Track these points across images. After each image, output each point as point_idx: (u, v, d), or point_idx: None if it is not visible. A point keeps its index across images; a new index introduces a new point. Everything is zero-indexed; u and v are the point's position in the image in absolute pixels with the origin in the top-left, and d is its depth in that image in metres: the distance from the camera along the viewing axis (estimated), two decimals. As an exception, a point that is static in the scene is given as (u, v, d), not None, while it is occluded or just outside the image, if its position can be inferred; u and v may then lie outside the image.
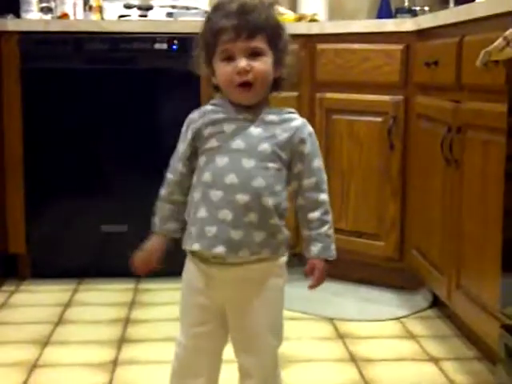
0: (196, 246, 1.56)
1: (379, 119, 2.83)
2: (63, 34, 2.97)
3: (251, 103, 1.55)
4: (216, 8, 1.55)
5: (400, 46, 2.78)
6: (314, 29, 3.01)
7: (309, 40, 3.00)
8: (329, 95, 2.96)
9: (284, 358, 2.17)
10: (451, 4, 3.41)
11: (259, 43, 1.51)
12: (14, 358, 2.24)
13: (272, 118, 1.56)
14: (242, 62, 1.51)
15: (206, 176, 1.55)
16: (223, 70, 1.53)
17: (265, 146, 1.54)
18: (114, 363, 2.21)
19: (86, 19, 3.27)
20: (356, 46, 2.89)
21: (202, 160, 1.57)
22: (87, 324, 2.56)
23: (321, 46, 2.98)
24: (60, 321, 2.58)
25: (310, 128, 1.59)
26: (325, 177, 1.60)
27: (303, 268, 1.62)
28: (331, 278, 2.95)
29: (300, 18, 3.26)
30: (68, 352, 2.30)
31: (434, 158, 2.48)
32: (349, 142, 2.91)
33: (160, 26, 3.03)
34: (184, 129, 1.62)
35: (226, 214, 1.52)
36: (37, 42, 2.95)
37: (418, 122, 2.69)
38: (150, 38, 2.98)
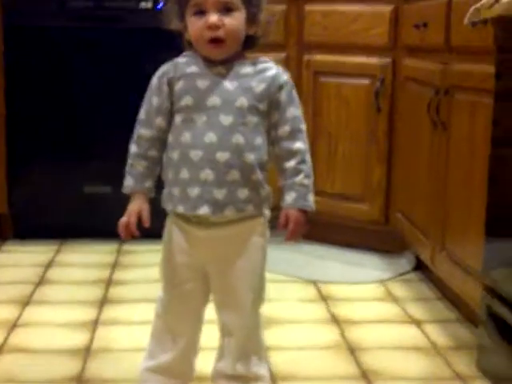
0: (180, 209, 1.54)
1: (367, 81, 2.80)
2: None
3: (222, 58, 1.52)
4: None
5: (389, 8, 2.74)
6: (302, -11, 2.97)
7: (296, 1, 2.95)
8: (316, 57, 2.93)
9: (266, 319, 2.16)
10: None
11: None
12: (-6, 316, 2.23)
13: (247, 70, 1.54)
14: (213, 17, 1.48)
15: (185, 136, 1.52)
16: (194, 25, 1.51)
17: (242, 101, 1.51)
18: (95, 323, 2.19)
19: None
20: (344, 7, 2.84)
21: (178, 118, 1.54)
22: (69, 284, 2.54)
23: (309, 8, 2.93)
24: (41, 281, 2.56)
25: (285, 76, 1.56)
26: (302, 126, 1.57)
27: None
28: (315, 241, 2.97)
29: (288, -21, 3.21)
30: (49, 312, 2.29)
31: (420, 121, 2.46)
32: (336, 104, 2.88)
33: (145, -16, 2.97)
34: (155, 81, 1.57)
35: (208, 174, 1.50)
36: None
37: (406, 85, 2.67)
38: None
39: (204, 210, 1.51)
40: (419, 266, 2.70)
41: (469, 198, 2.08)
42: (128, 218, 1.56)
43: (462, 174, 2.14)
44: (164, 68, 1.58)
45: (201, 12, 1.49)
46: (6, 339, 2.07)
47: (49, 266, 2.72)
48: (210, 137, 1.50)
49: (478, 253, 1.93)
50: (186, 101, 1.53)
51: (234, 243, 1.57)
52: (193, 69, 1.54)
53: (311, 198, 1.56)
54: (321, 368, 1.93)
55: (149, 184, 1.58)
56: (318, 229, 2.96)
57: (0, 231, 3.05)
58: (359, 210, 2.87)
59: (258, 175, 1.53)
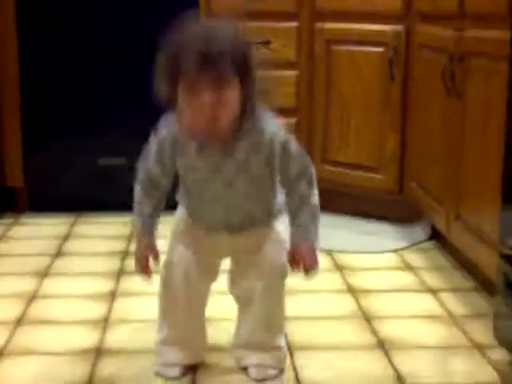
0: (200, 226, 1.64)
1: (380, 49, 2.78)
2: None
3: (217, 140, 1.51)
4: (180, 33, 1.45)
5: (402, -27, 2.71)
6: (314, -44, 2.93)
7: (308, -32, 2.93)
8: (328, 25, 2.90)
9: (282, 289, 2.18)
10: None
11: (225, 71, 1.40)
12: (12, 289, 2.25)
13: (241, 148, 1.51)
14: (208, 98, 1.39)
15: (192, 178, 1.59)
16: (187, 110, 1.44)
17: (243, 179, 1.54)
18: (113, 294, 2.21)
19: None
20: (356, -27, 2.81)
21: (183, 178, 1.61)
22: (85, 256, 2.56)
23: (321, -25, 2.91)
24: (58, 253, 2.58)
25: (280, 136, 1.54)
26: (307, 171, 1.59)
27: None
28: (329, 211, 2.97)
29: None
30: (67, 283, 2.31)
31: (435, 89, 2.44)
32: (349, 72, 2.86)
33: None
34: (155, 148, 1.56)
35: (221, 211, 1.59)
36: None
37: (420, 52, 2.64)
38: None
39: (221, 233, 1.62)
40: (434, 235, 2.70)
41: (484, 165, 2.07)
42: (140, 263, 1.64)
43: (477, 141, 2.13)
44: (162, 139, 1.55)
45: (193, 89, 1.40)
46: (24, 311, 2.09)
47: (65, 238, 2.74)
48: (219, 209, 1.59)
49: (494, 221, 1.92)
50: (189, 177, 1.58)
51: (250, 239, 1.64)
52: (191, 150, 1.53)
53: (316, 236, 1.60)
54: (337, 337, 1.94)
55: (154, 221, 1.64)
56: (332, 199, 2.97)
57: (16, 204, 3.07)
58: (373, 179, 2.86)
59: (271, 199, 1.63)
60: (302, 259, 1.58)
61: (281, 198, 1.64)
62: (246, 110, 1.48)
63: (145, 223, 1.62)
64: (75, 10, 2.93)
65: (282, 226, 1.65)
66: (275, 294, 1.64)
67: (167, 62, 1.44)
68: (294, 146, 1.56)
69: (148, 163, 1.58)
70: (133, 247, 2.61)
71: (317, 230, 1.59)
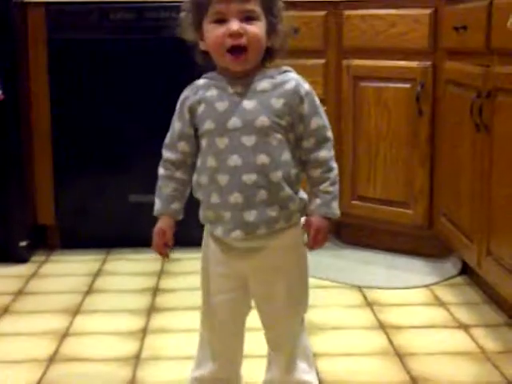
0: (217, 233, 1.55)
1: (407, 85, 2.79)
2: (89, 4, 2.95)
3: (243, 70, 1.49)
4: None
5: (428, 11, 2.73)
6: (341, -5, 2.97)
7: (335, 6, 2.96)
8: (356, 62, 2.93)
9: (312, 325, 2.18)
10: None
11: (254, 6, 1.45)
12: (44, 327, 2.27)
13: (264, 85, 1.50)
14: (235, 25, 1.44)
15: (210, 161, 1.51)
16: (214, 33, 1.46)
17: (262, 120, 1.48)
18: (144, 331, 2.22)
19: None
20: (383, 11, 2.84)
21: (203, 143, 1.53)
22: (116, 293, 2.58)
23: (347, 13, 2.93)
24: (90, 290, 2.60)
25: (306, 86, 1.52)
26: (327, 134, 1.54)
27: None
28: (359, 246, 2.97)
29: (326, -16, 3.21)
30: (98, 321, 2.33)
31: (463, 124, 2.45)
32: (376, 108, 2.88)
33: (185, -5, 3.00)
34: (178, 107, 1.57)
35: (237, 197, 1.50)
36: (62, 12, 2.94)
37: (447, 88, 2.66)
38: (176, 6, 2.95)
39: (236, 234, 1.51)
40: (465, 270, 2.68)
41: (514, 200, 2.07)
42: (153, 241, 1.60)
43: (506, 176, 2.13)
44: (185, 93, 1.56)
45: (221, 20, 1.45)
46: (57, 349, 2.11)
47: (96, 275, 2.77)
48: (235, 160, 1.49)
49: (525, 256, 1.91)
50: (208, 125, 1.51)
51: (270, 254, 1.56)
52: (212, 91, 1.51)
53: (335, 205, 1.55)
54: (369, 375, 1.93)
55: (176, 206, 1.59)
56: (362, 234, 2.97)
57: (47, 242, 3.10)
58: (402, 214, 2.86)
59: (287, 191, 1.51)
60: (313, 233, 1.54)
61: (303, 194, 1.58)
62: (272, 50, 1.51)
63: (162, 205, 1.59)
64: (104, 53, 2.99)
65: (302, 232, 1.59)
66: (297, 333, 1.63)
67: (193, 3, 1.49)
68: (318, 100, 1.55)
69: (171, 137, 1.58)
70: (163, 284, 2.65)
71: (336, 202, 1.56)
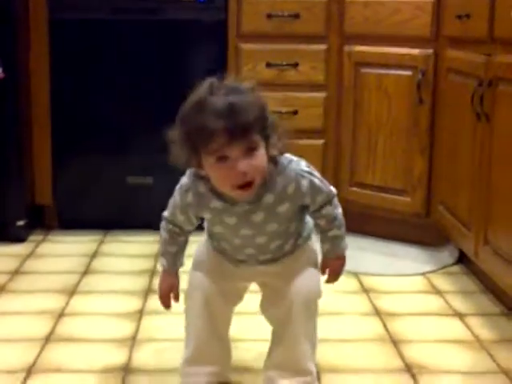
0: (226, 258, 1.68)
1: (408, 73, 2.78)
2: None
3: (249, 197, 1.53)
4: (199, 105, 1.45)
5: (431, -2, 2.72)
6: (344, -20, 2.96)
7: (338, -8, 2.95)
8: (357, 48, 2.92)
9: (309, 310, 2.18)
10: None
11: (253, 137, 1.45)
12: (41, 306, 2.27)
13: (269, 200, 1.55)
14: (242, 166, 1.44)
15: (218, 228, 1.62)
16: (219, 172, 1.47)
17: (272, 226, 1.58)
18: (140, 313, 2.23)
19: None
20: (386, -3, 2.83)
21: (210, 227, 1.66)
22: (113, 274, 2.58)
23: (350, -2, 2.93)
24: (87, 271, 2.60)
25: (304, 182, 1.57)
26: (330, 196, 1.62)
27: None
28: (356, 233, 2.97)
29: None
30: (95, 301, 2.33)
31: (463, 113, 2.44)
32: (377, 95, 2.87)
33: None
34: (179, 202, 1.60)
35: (250, 251, 1.63)
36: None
37: (448, 76, 2.65)
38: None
39: (251, 264, 1.66)
40: (462, 259, 2.69)
41: (513, 190, 2.07)
42: (161, 298, 1.72)
43: (505, 165, 2.13)
44: (185, 197, 1.58)
45: (223, 157, 1.44)
46: (53, 328, 2.11)
47: (94, 255, 2.77)
48: (245, 231, 1.59)
49: (522, 246, 1.92)
50: (216, 229, 1.62)
51: (282, 267, 1.67)
52: (216, 204, 1.56)
53: (344, 244, 1.68)
54: (364, 361, 1.93)
55: (180, 261, 1.71)
56: (359, 221, 2.97)
57: (45, 222, 3.10)
58: (400, 202, 2.86)
59: (298, 234, 1.65)
60: (333, 271, 1.70)
61: (309, 221, 1.69)
62: (272, 164, 1.54)
63: (169, 263, 1.69)
64: (104, 34, 2.98)
65: (312, 246, 1.70)
66: (310, 318, 1.65)
67: (188, 135, 1.47)
68: (318, 178, 1.60)
69: (173, 213, 1.64)
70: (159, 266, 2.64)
71: (344, 238, 1.68)
